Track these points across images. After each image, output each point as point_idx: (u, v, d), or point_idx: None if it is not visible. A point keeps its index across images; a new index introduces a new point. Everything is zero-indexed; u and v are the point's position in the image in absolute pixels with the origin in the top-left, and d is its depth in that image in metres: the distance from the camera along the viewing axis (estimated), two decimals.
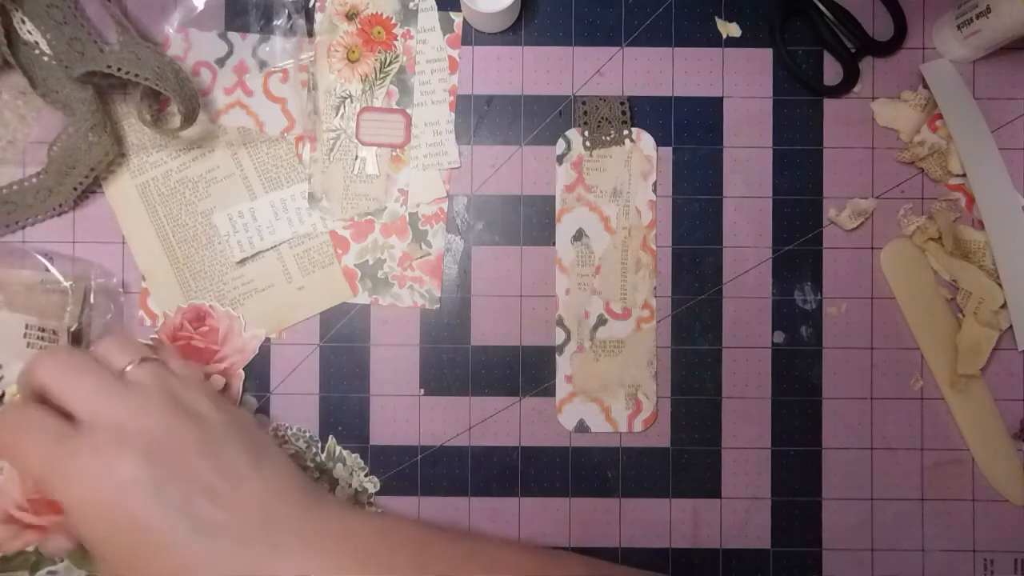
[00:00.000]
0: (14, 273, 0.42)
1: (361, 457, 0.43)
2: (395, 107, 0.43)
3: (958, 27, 0.42)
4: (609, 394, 0.43)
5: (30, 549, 0.40)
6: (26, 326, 0.40)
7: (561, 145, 0.43)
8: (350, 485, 0.43)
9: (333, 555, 0.32)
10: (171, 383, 0.35)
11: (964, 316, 0.43)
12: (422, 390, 0.43)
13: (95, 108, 0.40)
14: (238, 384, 0.43)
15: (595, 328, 0.43)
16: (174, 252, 0.43)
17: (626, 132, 0.43)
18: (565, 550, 0.43)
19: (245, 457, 0.34)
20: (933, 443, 0.43)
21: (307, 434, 0.43)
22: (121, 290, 0.43)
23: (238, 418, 0.36)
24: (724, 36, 0.44)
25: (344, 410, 0.43)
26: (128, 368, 0.35)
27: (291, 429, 0.43)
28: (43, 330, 0.40)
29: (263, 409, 0.43)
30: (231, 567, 0.31)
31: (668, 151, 0.44)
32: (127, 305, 0.43)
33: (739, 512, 0.43)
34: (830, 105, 0.44)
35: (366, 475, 0.43)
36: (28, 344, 0.40)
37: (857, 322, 0.43)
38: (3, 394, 0.39)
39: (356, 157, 0.43)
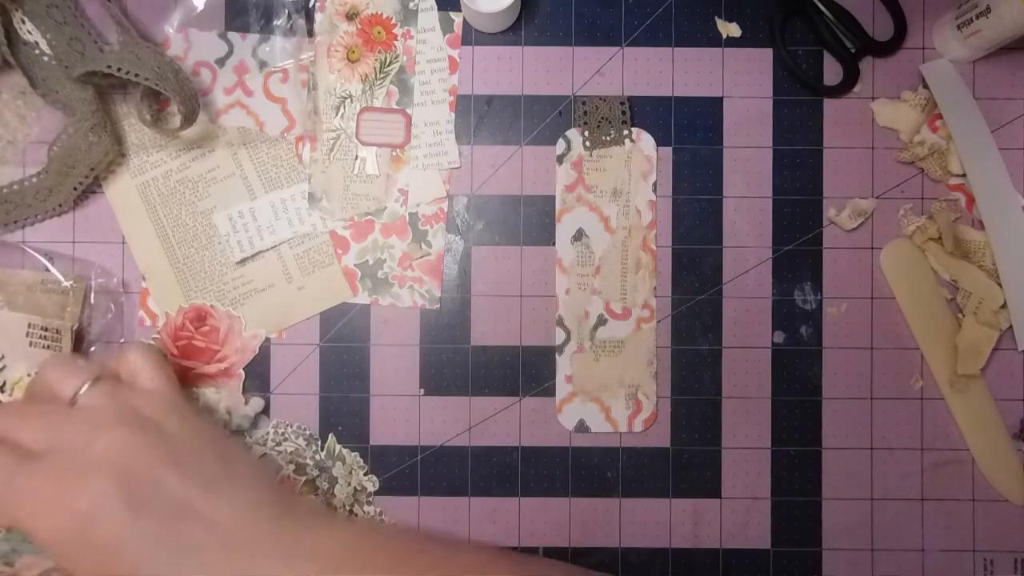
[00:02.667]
0: (14, 273, 0.42)
1: (361, 457, 0.43)
2: (395, 107, 0.43)
3: (958, 27, 0.42)
4: (609, 394, 0.43)
5: None
6: (28, 325, 0.40)
7: (561, 145, 0.43)
8: (349, 484, 0.43)
9: (301, 572, 0.31)
10: (127, 398, 0.34)
11: (964, 316, 0.43)
12: (422, 390, 0.43)
13: (95, 108, 0.40)
14: (238, 384, 0.43)
15: (595, 328, 0.43)
16: (174, 252, 0.43)
17: (626, 132, 0.43)
18: (540, 550, 0.43)
19: (216, 467, 0.33)
20: (933, 443, 0.43)
21: (307, 432, 0.43)
22: (121, 290, 0.43)
23: (205, 429, 0.35)
24: (724, 36, 0.44)
25: (344, 410, 0.43)
26: (80, 392, 0.34)
27: (291, 427, 0.43)
28: (46, 329, 0.40)
29: (263, 409, 0.43)
30: None
31: (668, 151, 0.44)
32: (127, 305, 0.43)
33: (739, 512, 0.43)
34: (830, 105, 0.44)
35: (365, 474, 0.43)
36: (31, 343, 0.40)
37: (857, 322, 0.43)
38: (3, 384, 0.40)
39: (356, 157, 0.43)
